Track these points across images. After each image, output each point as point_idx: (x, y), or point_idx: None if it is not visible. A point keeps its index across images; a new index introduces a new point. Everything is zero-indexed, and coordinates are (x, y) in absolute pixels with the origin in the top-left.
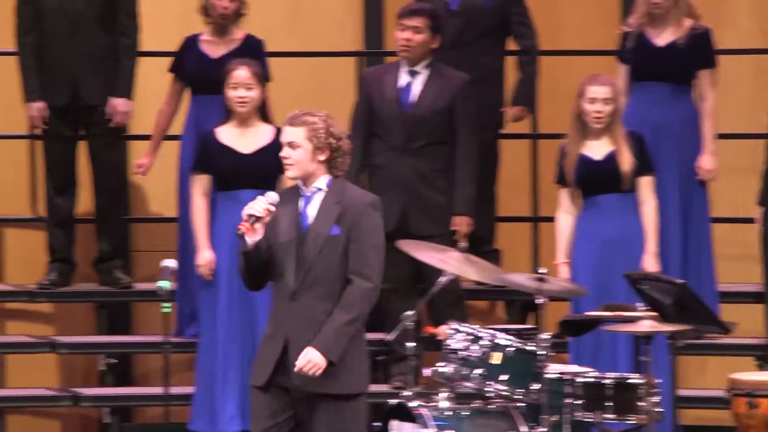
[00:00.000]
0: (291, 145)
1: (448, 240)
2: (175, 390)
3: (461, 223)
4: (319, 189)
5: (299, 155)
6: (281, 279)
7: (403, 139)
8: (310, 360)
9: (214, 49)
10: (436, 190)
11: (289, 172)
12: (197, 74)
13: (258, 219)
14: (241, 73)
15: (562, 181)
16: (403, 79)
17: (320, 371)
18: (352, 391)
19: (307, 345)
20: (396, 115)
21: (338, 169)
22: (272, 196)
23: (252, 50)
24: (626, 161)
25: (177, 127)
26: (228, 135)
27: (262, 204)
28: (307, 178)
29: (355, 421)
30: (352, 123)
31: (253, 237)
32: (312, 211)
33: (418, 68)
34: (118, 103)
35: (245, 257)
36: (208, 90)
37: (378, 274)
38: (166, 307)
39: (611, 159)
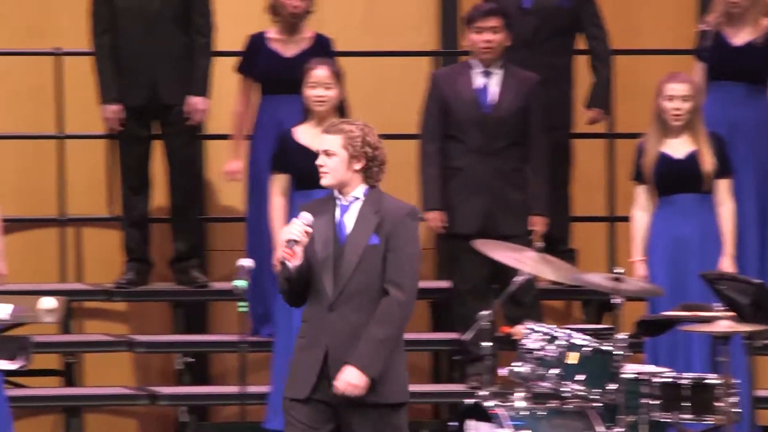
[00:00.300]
0: (327, 153)
1: (528, 239)
2: (251, 389)
3: (537, 223)
4: (357, 198)
5: (335, 163)
6: (318, 289)
7: (483, 141)
8: (349, 382)
9: (284, 47)
10: (517, 189)
11: (324, 180)
12: (270, 73)
13: (297, 242)
14: (321, 72)
15: (638, 178)
16: (478, 80)
17: (362, 392)
18: (394, 400)
19: (347, 356)
20: (475, 117)
21: (374, 178)
22: (306, 217)
23: (322, 49)
24: (708, 162)
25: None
26: (305, 134)
27: (299, 227)
28: (342, 187)
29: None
30: (424, 125)
31: (295, 262)
32: (349, 220)
33: (492, 69)
34: (196, 102)
35: (288, 282)
36: (280, 89)
37: (412, 285)
38: (243, 307)
39: (692, 158)
